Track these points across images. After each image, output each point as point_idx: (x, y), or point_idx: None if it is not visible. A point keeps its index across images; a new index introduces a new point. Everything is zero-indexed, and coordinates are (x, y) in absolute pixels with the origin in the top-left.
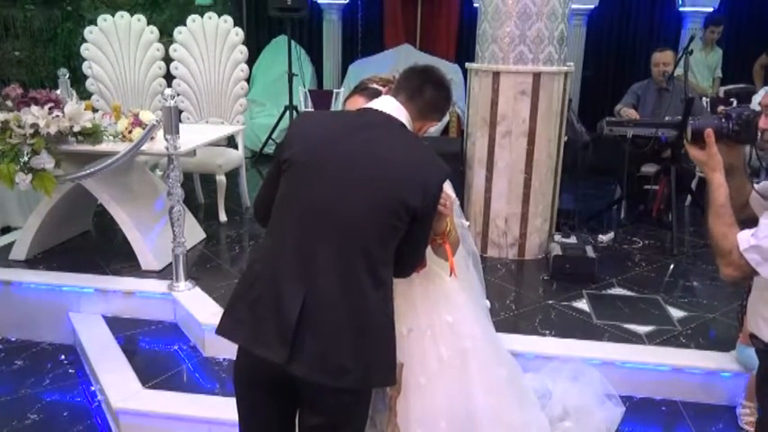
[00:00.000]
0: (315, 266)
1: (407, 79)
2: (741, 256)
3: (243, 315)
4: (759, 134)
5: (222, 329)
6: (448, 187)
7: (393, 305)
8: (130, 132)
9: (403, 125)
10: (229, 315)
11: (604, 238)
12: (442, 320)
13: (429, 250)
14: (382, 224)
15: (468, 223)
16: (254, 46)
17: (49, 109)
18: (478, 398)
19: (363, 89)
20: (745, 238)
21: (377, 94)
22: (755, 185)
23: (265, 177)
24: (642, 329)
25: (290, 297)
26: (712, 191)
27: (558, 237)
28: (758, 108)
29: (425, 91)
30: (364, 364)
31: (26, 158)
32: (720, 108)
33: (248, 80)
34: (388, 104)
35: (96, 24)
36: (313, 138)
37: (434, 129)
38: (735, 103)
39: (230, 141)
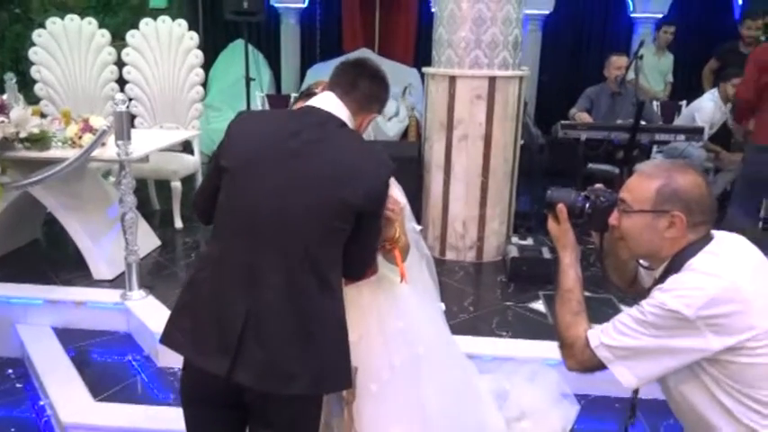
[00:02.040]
0: (258, 273)
1: (341, 74)
2: (585, 351)
3: (186, 324)
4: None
5: (165, 339)
6: (398, 193)
7: (344, 307)
8: (80, 138)
9: (344, 123)
10: (173, 324)
11: None
12: (393, 327)
13: (379, 256)
14: (325, 226)
15: (420, 227)
16: (211, 50)
17: None
18: (432, 403)
19: (309, 94)
20: (594, 334)
21: None
22: (641, 261)
23: (205, 175)
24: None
25: (232, 306)
26: (560, 272)
27: (515, 239)
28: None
29: (360, 83)
30: (314, 370)
31: None
32: (595, 186)
33: (205, 84)
34: (329, 102)
35: (45, 27)
36: (251, 141)
37: (393, 133)
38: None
39: (186, 147)
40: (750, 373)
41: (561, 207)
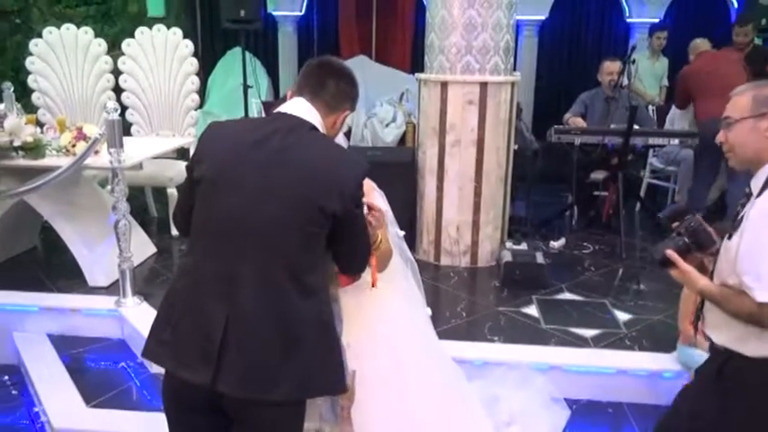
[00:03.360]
0: (236, 283)
1: (307, 76)
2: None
3: (166, 337)
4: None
5: (146, 352)
6: (380, 199)
7: (331, 309)
8: (74, 146)
9: (314, 127)
10: (153, 337)
11: (556, 244)
12: (378, 333)
13: None
14: (300, 232)
15: (402, 232)
16: (210, 57)
17: None
18: (419, 409)
19: (282, 100)
20: (758, 291)
21: None
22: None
23: (181, 189)
24: (589, 333)
25: (212, 317)
26: (704, 293)
27: (509, 244)
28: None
29: (327, 84)
30: (298, 375)
31: None
32: (675, 225)
33: (203, 92)
34: (298, 107)
35: (42, 37)
36: (222, 151)
37: (390, 138)
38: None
39: (183, 154)
40: None
41: (671, 253)
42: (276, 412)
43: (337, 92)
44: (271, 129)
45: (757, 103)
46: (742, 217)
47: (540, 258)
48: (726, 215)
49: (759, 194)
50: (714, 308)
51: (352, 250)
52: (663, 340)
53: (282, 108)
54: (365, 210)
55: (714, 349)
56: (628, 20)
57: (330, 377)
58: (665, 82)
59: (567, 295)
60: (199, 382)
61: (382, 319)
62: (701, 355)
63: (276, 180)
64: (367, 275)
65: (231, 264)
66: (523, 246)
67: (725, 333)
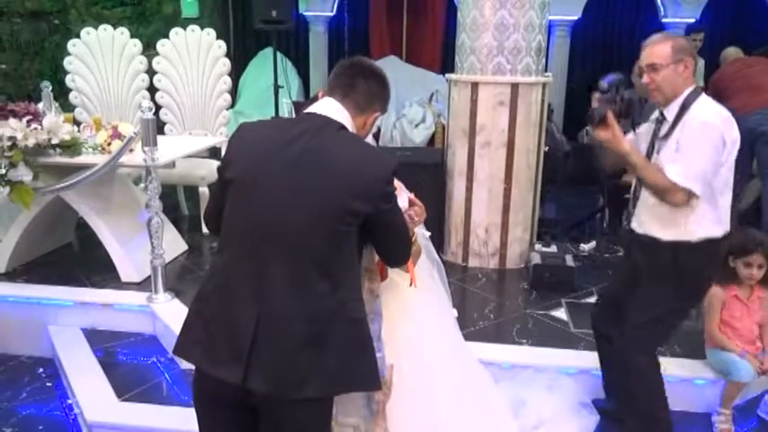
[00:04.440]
0: (267, 282)
1: (338, 77)
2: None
3: (198, 335)
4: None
5: (178, 349)
6: (406, 198)
7: (363, 306)
8: (109, 145)
9: (343, 127)
10: (185, 335)
11: (586, 246)
12: (403, 334)
13: None
14: (330, 231)
15: (429, 233)
16: (242, 58)
17: (28, 122)
18: (443, 410)
19: (314, 100)
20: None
21: None
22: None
23: (212, 191)
24: None
25: (243, 315)
26: (628, 158)
27: (538, 246)
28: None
29: (358, 84)
30: (327, 372)
31: (3, 171)
32: (597, 95)
33: (235, 92)
34: (328, 107)
35: (80, 38)
36: (252, 152)
37: (420, 139)
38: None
39: (215, 153)
40: None
41: (610, 114)
42: (305, 408)
43: (368, 92)
44: (299, 129)
45: (675, 51)
46: (659, 128)
47: (569, 261)
48: (761, 220)
49: (678, 118)
50: (642, 205)
51: (391, 243)
52: (695, 346)
53: (312, 108)
54: (406, 204)
55: (637, 239)
56: (663, 20)
57: (361, 373)
58: (702, 84)
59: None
60: (231, 380)
61: (407, 319)
62: (733, 360)
63: (305, 180)
64: (395, 275)
65: (261, 263)
66: (553, 248)
67: (647, 224)
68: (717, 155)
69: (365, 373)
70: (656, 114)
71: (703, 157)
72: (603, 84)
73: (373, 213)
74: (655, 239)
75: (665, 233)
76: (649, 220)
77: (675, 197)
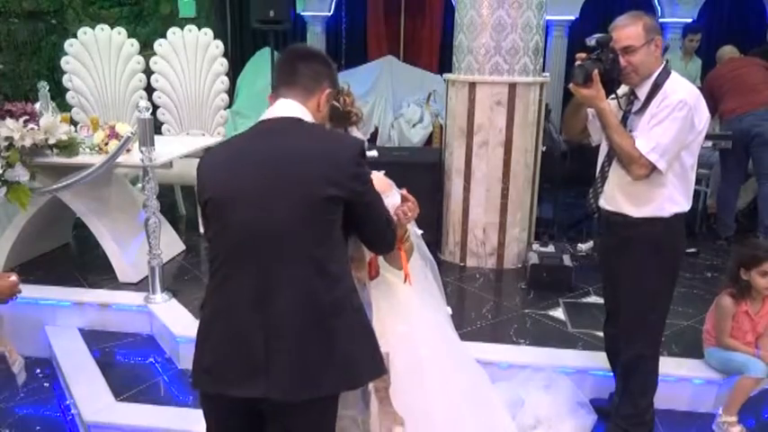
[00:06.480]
0: (265, 291)
1: (279, 71)
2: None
3: (209, 362)
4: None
5: (195, 383)
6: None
7: (359, 295)
8: (107, 145)
9: (298, 119)
10: (197, 365)
11: (584, 246)
12: (396, 331)
13: (381, 259)
14: (313, 224)
15: (421, 231)
16: (239, 57)
17: (24, 122)
18: (437, 408)
19: None
20: (642, 144)
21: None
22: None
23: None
24: None
25: (250, 330)
26: (606, 116)
27: (536, 246)
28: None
29: (298, 69)
30: (343, 365)
31: (0, 171)
32: (582, 55)
33: (232, 92)
34: (277, 108)
35: (77, 37)
36: (222, 171)
37: (417, 139)
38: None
39: None
40: None
41: (596, 72)
42: (315, 406)
43: (310, 72)
44: (259, 137)
45: (647, 31)
46: (630, 109)
47: (567, 261)
48: (758, 220)
49: (650, 97)
50: (613, 183)
51: (374, 227)
52: (691, 346)
53: (263, 116)
54: (398, 200)
55: (606, 218)
56: (660, 20)
57: (373, 360)
58: (699, 83)
59: (594, 298)
60: (255, 396)
61: (400, 316)
62: (747, 358)
63: (276, 182)
64: (385, 272)
65: (258, 272)
66: (550, 248)
67: (620, 201)
68: (685, 134)
69: (377, 359)
70: (623, 90)
71: (673, 134)
72: (591, 41)
73: (351, 197)
74: (625, 216)
75: (639, 210)
76: (622, 198)
77: (640, 169)
